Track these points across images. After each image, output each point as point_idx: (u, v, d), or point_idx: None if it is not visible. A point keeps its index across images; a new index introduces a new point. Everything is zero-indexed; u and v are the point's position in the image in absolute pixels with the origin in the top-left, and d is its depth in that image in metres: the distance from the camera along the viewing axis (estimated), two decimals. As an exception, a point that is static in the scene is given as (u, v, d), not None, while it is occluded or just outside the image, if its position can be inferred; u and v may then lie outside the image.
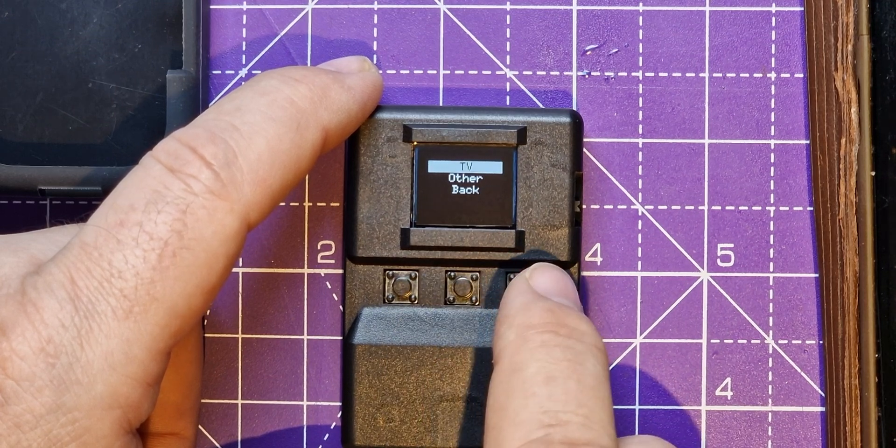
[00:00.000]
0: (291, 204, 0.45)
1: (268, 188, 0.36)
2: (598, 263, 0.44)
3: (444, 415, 0.42)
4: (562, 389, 0.36)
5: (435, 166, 0.42)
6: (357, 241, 0.42)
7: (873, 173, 0.43)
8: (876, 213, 0.43)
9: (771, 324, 0.44)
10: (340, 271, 0.44)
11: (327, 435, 0.44)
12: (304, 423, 0.44)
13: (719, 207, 0.44)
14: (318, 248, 0.45)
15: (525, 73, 0.44)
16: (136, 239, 0.35)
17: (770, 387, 0.44)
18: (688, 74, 0.44)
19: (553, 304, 0.38)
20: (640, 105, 0.44)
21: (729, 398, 0.44)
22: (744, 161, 0.44)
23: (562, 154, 0.42)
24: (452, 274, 0.43)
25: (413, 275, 0.43)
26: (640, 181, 0.44)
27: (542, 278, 0.40)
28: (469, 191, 0.42)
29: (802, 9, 0.44)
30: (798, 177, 0.44)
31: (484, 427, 0.37)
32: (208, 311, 0.45)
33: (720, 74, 0.44)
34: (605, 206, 0.44)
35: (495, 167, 0.42)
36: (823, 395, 0.44)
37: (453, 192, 0.42)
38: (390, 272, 0.43)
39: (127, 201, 0.35)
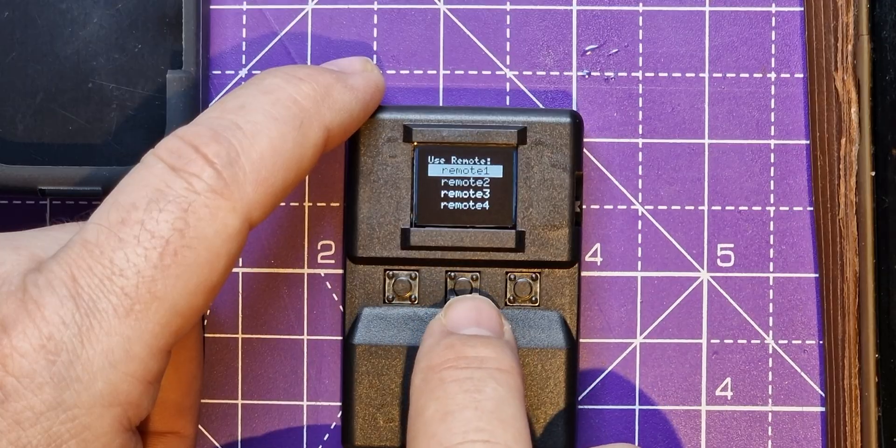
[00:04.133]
0: (291, 204, 0.45)
1: (270, 187, 0.36)
2: (598, 263, 0.44)
3: (445, 415, 0.42)
4: (459, 422, 0.36)
5: (435, 167, 0.42)
6: (357, 241, 0.42)
7: (873, 173, 0.43)
8: (876, 213, 0.43)
9: (771, 324, 0.44)
10: (340, 271, 0.44)
11: (327, 435, 0.44)
12: (304, 423, 0.44)
13: (719, 207, 0.44)
14: (318, 248, 0.45)
15: (525, 73, 0.44)
16: (137, 237, 0.35)
17: (770, 387, 0.44)
18: (688, 74, 0.44)
19: (455, 338, 0.39)
20: (640, 105, 0.44)
21: (729, 398, 0.44)
22: (744, 161, 0.44)
23: (562, 154, 0.42)
24: (453, 274, 0.43)
25: (413, 275, 0.43)
26: (640, 181, 0.44)
27: (454, 314, 0.40)
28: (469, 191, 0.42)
29: (802, 9, 0.44)
30: (798, 177, 0.44)
31: None
32: (208, 311, 0.45)
33: (720, 74, 0.44)
34: (605, 206, 0.44)
35: (496, 167, 0.42)
36: (823, 395, 0.44)
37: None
38: (390, 272, 0.43)
39: (129, 199, 0.35)
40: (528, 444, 0.36)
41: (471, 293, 0.42)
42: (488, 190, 0.42)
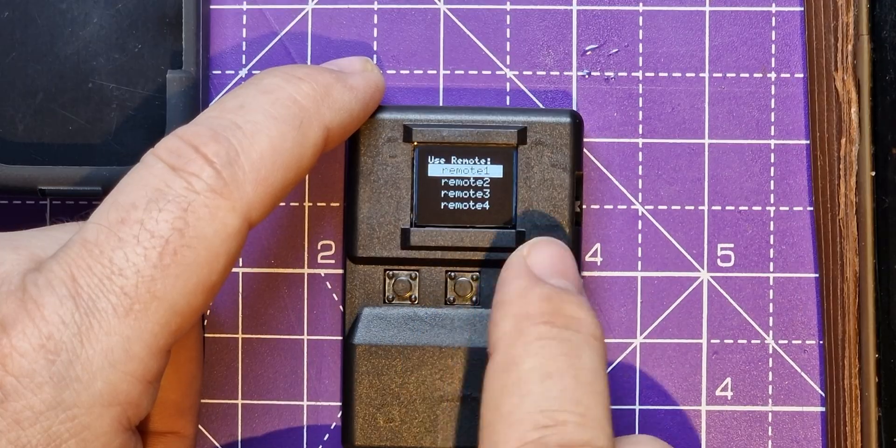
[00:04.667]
0: (291, 204, 0.45)
1: (269, 187, 0.36)
2: (598, 263, 0.44)
3: (445, 415, 0.42)
4: (558, 387, 0.35)
5: (435, 167, 0.42)
6: (357, 241, 0.42)
7: (873, 173, 0.43)
8: (876, 213, 0.43)
9: (771, 324, 0.44)
10: (340, 271, 0.44)
11: (327, 435, 0.44)
12: (304, 423, 0.44)
13: (719, 207, 0.44)
14: (318, 248, 0.45)
15: (525, 73, 0.44)
16: (137, 236, 0.35)
17: (770, 387, 0.44)
18: (688, 74, 0.44)
19: (551, 289, 0.37)
20: (640, 105, 0.44)
21: (729, 398, 0.44)
22: (744, 161, 0.44)
23: (562, 154, 0.42)
24: (452, 274, 0.43)
25: (413, 275, 0.43)
26: (640, 181, 0.44)
27: (540, 256, 0.38)
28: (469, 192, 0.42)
29: (802, 9, 0.44)
30: (798, 177, 0.44)
31: (479, 423, 0.36)
32: (208, 311, 0.45)
33: (720, 74, 0.44)
34: (605, 206, 0.44)
35: (496, 167, 0.42)
36: (823, 395, 0.44)
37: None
38: (390, 272, 0.43)
39: (128, 199, 0.35)
40: (611, 424, 0.35)
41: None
42: (488, 190, 0.42)
